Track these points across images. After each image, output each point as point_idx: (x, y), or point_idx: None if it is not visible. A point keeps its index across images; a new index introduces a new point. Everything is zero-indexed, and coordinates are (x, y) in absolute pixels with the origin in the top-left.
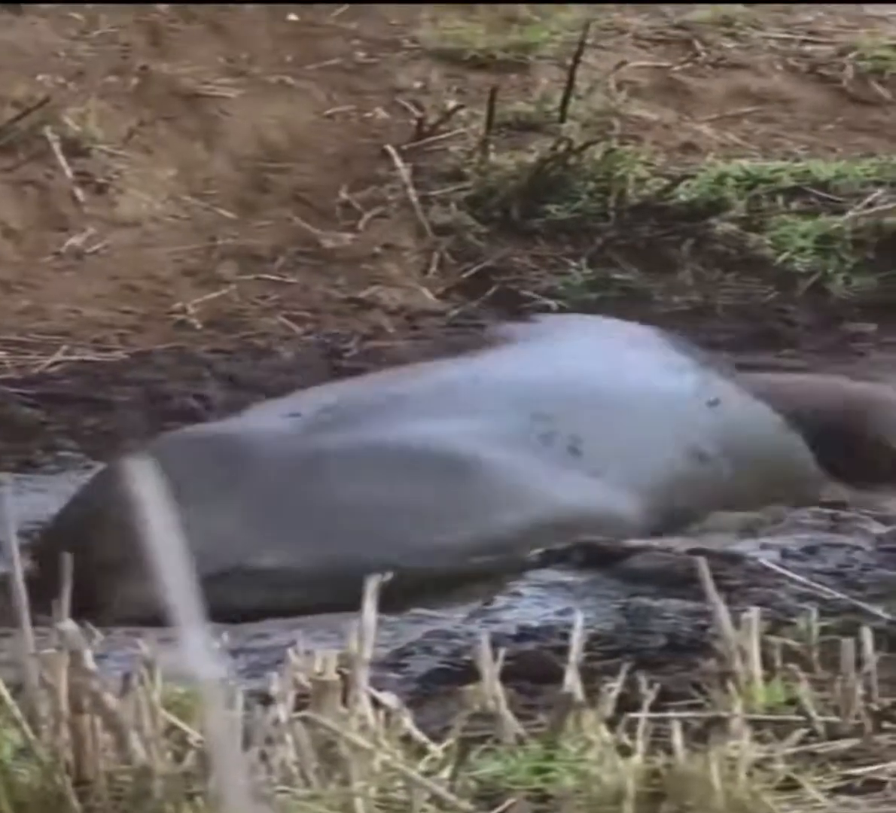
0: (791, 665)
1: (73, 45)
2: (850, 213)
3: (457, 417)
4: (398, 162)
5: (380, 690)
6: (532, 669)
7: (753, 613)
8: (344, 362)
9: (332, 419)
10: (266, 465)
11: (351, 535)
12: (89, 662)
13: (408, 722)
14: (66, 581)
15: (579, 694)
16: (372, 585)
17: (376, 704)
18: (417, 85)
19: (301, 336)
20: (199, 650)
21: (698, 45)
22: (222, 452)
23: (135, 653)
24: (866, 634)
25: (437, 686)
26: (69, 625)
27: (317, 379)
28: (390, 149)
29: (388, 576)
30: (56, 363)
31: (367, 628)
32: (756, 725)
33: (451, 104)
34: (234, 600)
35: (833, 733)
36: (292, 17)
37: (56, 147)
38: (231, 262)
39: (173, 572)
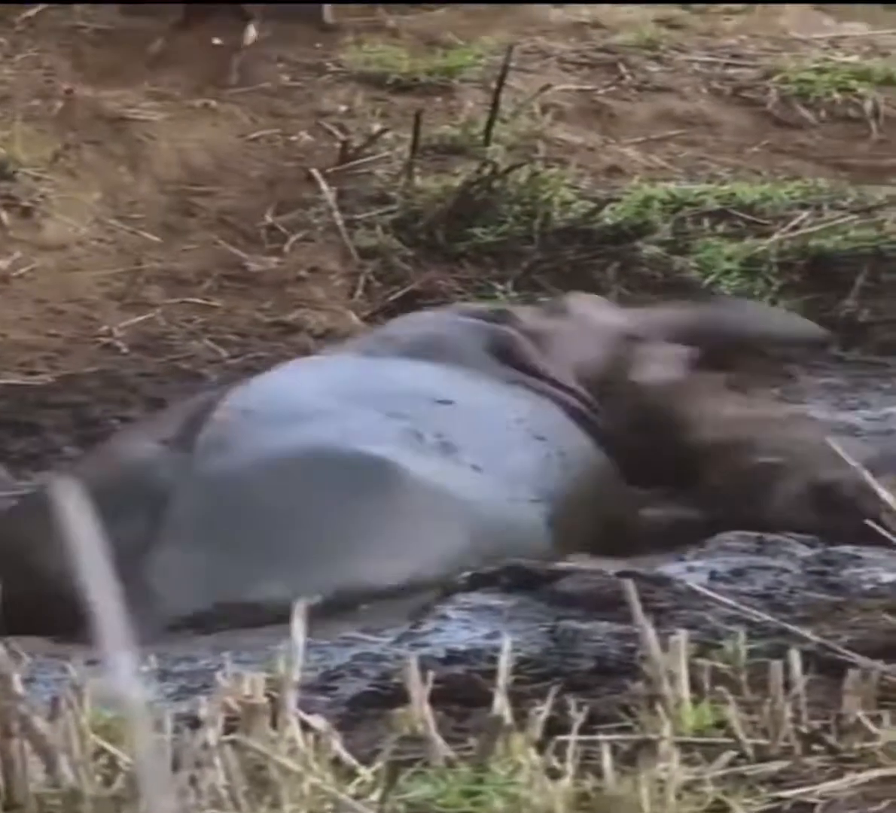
0: (720, 688)
1: None
2: (776, 236)
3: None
4: (323, 185)
5: (309, 712)
6: (460, 693)
7: (681, 636)
8: None
9: (223, 437)
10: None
11: (247, 561)
12: (17, 686)
13: (337, 745)
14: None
15: (508, 717)
16: (300, 607)
17: (305, 727)
18: (342, 108)
19: (227, 359)
20: (126, 673)
21: (623, 69)
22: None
23: (62, 676)
24: (794, 657)
25: (365, 709)
26: None
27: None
28: (315, 172)
29: (318, 598)
30: None
31: (296, 651)
32: (685, 747)
33: (376, 127)
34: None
35: (762, 756)
36: (216, 40)
37: None
38: (157, 285)
39: (100, 594)
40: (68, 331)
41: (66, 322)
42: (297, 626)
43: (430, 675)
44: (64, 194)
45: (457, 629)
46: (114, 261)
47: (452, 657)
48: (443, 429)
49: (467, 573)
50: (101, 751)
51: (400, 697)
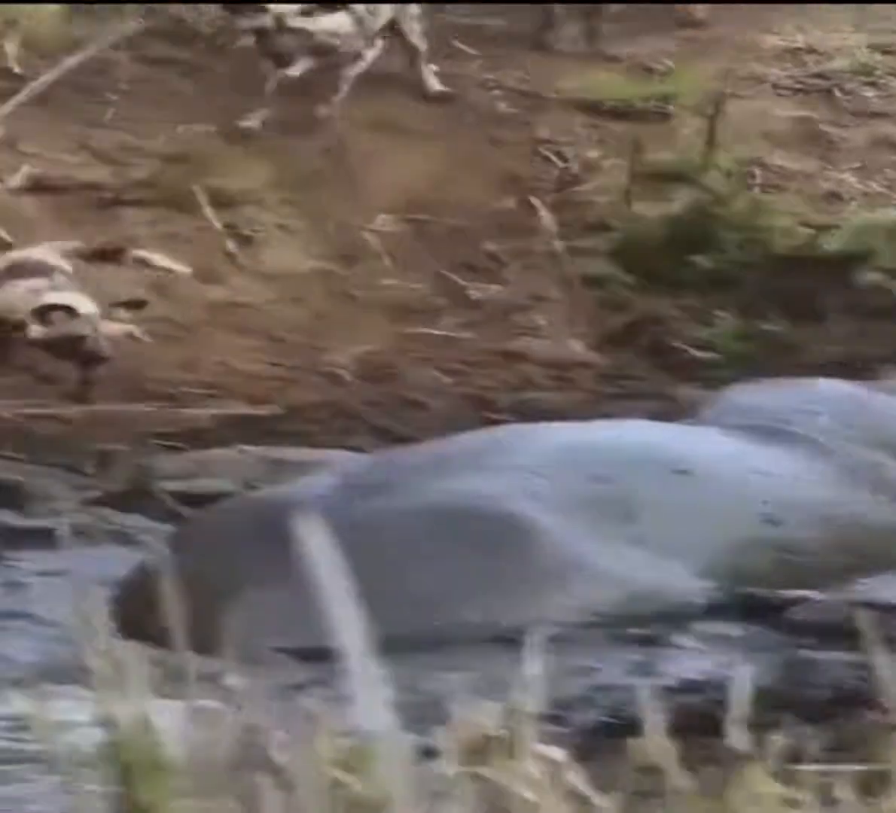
0: None
1: (210, 97)
2: None
3: (506, 476)
4: (543, 212)
5: (543, 743)
6: (695, 722)
7: None
8: (494, 414)
9: (378, 483)
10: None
11: (407, 604)
12: (258, 718)
13: (574, 776)
14: (227, 633)
15: (745, 747)
16: (537, 637)
17: (541, 758)
18: (560, 136)
19: (451, 388)
20: (371, 703)
21: (838, 94)
22: (264, 523)
23: (297, 707)
24: None
25: (599, 739)
26: (235, 679)
27: (466, 431)
28: (535, 200)
29: (554, 628)
30: (208, 417)
31: (534, 681)
32: None
33: (594, 154)
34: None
35: None
36: (433, 67)
37: (203, 200)
38: (380, 314)
39: (346, 624)
40: (292, 360)
41: (289, 351)
42: (533, 655)
43: (666, 704)
44: (285, 223)
45: (690, 658)
46: (336, 290)
47: (686, 687)
48: (648, 498)
49: (701, 602)
50: (337, 783)
51: (634, 727)
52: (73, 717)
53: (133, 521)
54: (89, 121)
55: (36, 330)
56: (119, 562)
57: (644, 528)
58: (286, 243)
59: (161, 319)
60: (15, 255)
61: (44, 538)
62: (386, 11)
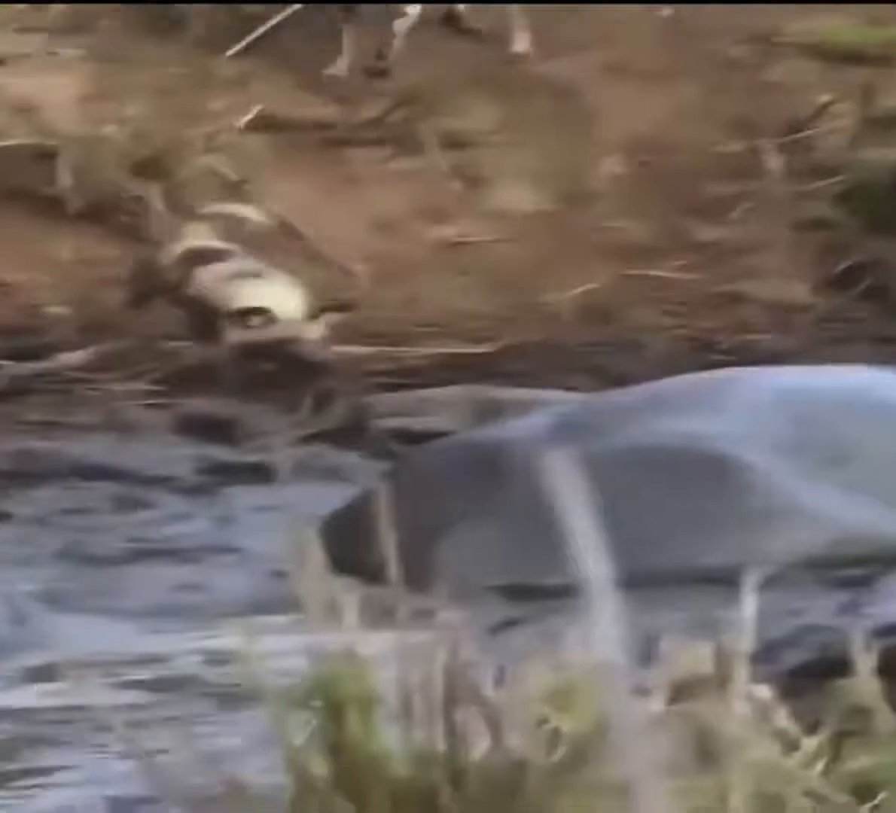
0: None
1: (446, 40)
2: None
3: (720, 418)
4: (770, 156)
5: (751, 682)
6: None
7: None
8: (714, 356)
9: (592, 424)
10: (520, 475)
11: (621, 544)
12: (469, 654)
13: (782, 715)
14: (438, 570)
15: None
16: (752, 578)
17: (749, 697)
18: (790, 79)
19: (672, 329)
20: (608, 632)
21: None
22: (478, 462)
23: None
24: None
25: (807, 679)
26: (450, 616)
27: (685, 372)
28: (763, 143)
29: (764, 569)
30: (426, 355)
31: (747, 621)
32: None
33: (824, 99)
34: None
35: None
36: (666, 11)
37: (431, 140)
38: (603, 255)
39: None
40: (512, 300)
41: (510, 291)
42: (748, 596)
43: (873, 646)
44: (512, 163)
45: None
46: (562, 229)
47: (894, 627)
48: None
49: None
50: (545, 719)
51: (841, 667)
52: (282, 650)
53: (348, 458)
54: (320, 60)
55: (235, 334)
56: (333, 498)
57: (855, 472)
58: (513, 184)
59: (384, 258)
60: (192, 242)
61: (257, 474)
62: None
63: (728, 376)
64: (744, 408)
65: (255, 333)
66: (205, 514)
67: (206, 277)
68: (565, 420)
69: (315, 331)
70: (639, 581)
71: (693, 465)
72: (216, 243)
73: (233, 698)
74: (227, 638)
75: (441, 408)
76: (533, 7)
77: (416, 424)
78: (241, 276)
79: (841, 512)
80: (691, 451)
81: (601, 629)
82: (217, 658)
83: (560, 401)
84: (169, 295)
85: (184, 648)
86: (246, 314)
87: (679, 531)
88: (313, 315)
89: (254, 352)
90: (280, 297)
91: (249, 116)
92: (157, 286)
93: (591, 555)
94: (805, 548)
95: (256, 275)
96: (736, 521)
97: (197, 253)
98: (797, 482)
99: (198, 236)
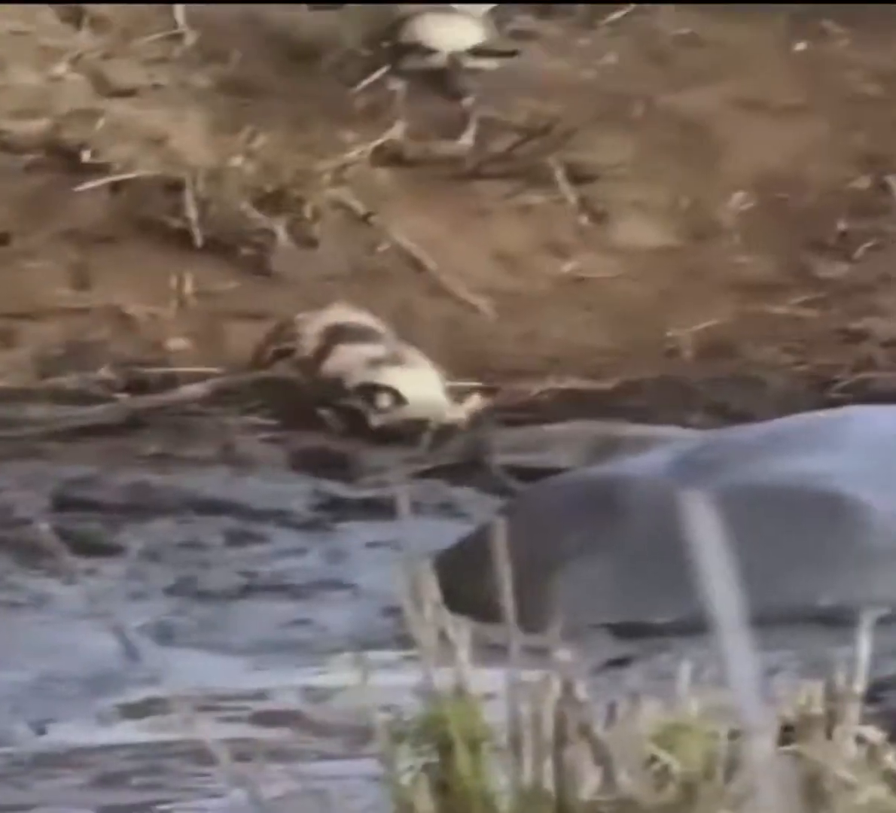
0: None
1: (576, 72)
2: None
3: (838, 457)
4: None
5: (862, 723)
6: None
7: None
8: (833, 394)
9: (709, 461)
10: (636, 512)
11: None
12: (581, 692)
13: (892, 757)
14: (558, 607)
15: None
16: (868, 619)
17: (859, 739)
18: None
19: (792, 366)
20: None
21: None
22: (594, 499)
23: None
24: None
25: None
26: (563, 654)
27: (804, 410)
28: (891, 180)
29: (884, 610)
30: (546, 391)
31: (860, 661)
32: None
33: None
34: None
35: None
36: (800, 46)
37: (559, 173)
38: (725, 290)
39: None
40: (633, 336)
41: (631, 327)
42: (863, 635)
43: None
44: (640, 199)
45: None
46: (682, 265)
47: None
48: None
49: None
50: (653, 758)
51: None
52: (393, 686)
53: (464, 493)
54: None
55: (374, 420)
56: (447, 534)
57: None
58: (639, 219)
59: (507, 293)
60: (335, 317)
61: (372, 509)
62: None
63: (847, 414)
64: (862, 446)
65: (391, 415)
66: (318, 548)
67: (346, 359)
68: (683, 457)
69: (457, 413)
70: (753, 620)
71: (809, 503)
72: (364, 320)
73: (343, 735)
74: (337, 674)
75: (559, 444)
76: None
77: (534, 460)
78: (384, 360)
79: None
80: (807, 489)
81: (730, 668)
82: (325, 694)
83: (678, 437)
84: (302, 369)
85: (292, 683)
86: (373, 392)
87: (793, 570)
88: (456, 401)
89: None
90: (418, 383)
91: (377, 145)
92: (292, 357)
93: (724, 593)
94: None
95: (398, 361)
96: (850, 560)
97: (341, 329)
98: None
99: (345, 311)
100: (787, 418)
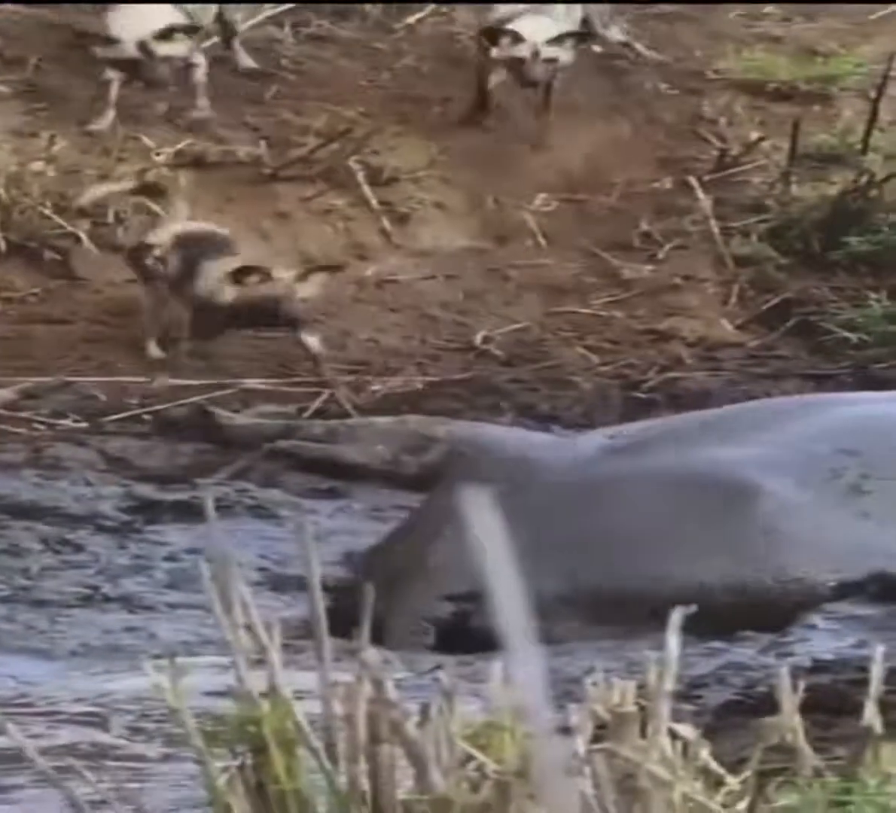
0: None
1: (374, 75)
2: None
3: (758, 446)
4: (699, 193)
5: (675, 721)
6: (827, 702)
7: None
8: (641, 394)
9: (627, 445)
10: (548, 489)
11: (623, 565)
12: (391, 692)
13: (706, 754)
14: (366, 609)
15: (879, 727)
16: (677, 617)
17: (673, 735)
18: (720, 116)
19: (599, 367)
20: (530, 679)
21: None
22: (511, 475)
23: (431, 681)
24: None
25: (731, 718)
26: (371, 654)
27: (613, 410)
28: (692, 180)
29: (693, 608)
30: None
31: (670, 660)
32: None
33: (754, 135)
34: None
35: None
36: (597, 48)
37: (360, 176)
38: (530, 292)
39: (508, 601)
40: (441, 337)
41: (438, 328)
42: (672, 635)
43: (797, 684)
44: (441, 202)
45: (824, 638)
46: (486, 268)
47: (819, 666)
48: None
49: (833, 583)
50: (468, 758)
51: (766, 706)
52: (208, 689)
53: (272, 495)
54: (250, 98)
55: (229, 291)
56: (256, 536)
57: (870, 501)
58: (441, 221)
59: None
60: (176, 227)
61: (182, 511)
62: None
63: (762, 406)
64: (790, 435)
65: (251, 290)
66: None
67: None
68: (610, 444)
69: (306, 290)
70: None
71: (713, 488)
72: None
73: (160, 738)
74: (154, 678)
75: (367, 438)
76: None
77: (345, 452)
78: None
79: (847, 540)
80: (714, 475)
81: (523, 669)
82: (145, 697)
83: (496, 436)
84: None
85: (112, 687)
86: (244, 274)
87: (698, 550)
88: (302, 276)
89: (247, 308)
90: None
91: (177, 149)
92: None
93: (508, 597)
94: (796, 573)
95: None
96: (751, 543)
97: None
98: (814, 511)
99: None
100: (731, 407)
